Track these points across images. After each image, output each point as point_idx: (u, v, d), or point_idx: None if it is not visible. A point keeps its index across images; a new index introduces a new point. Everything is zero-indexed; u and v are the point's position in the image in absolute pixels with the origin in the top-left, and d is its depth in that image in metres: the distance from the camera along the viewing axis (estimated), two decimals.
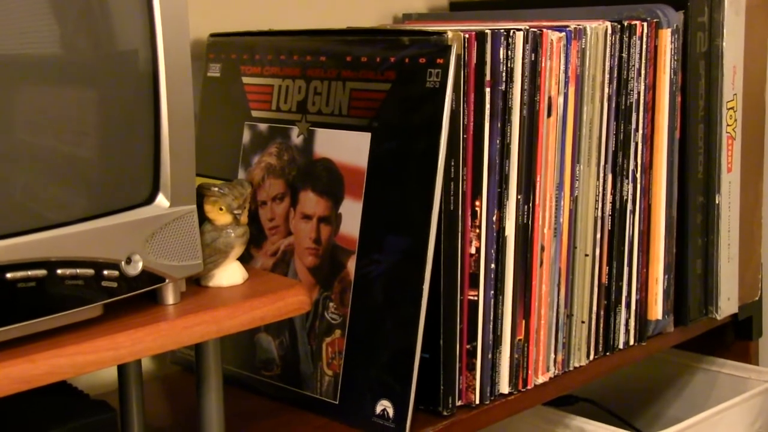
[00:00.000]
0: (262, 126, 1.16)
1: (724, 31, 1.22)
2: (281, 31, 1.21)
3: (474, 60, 1.02)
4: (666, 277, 1.23)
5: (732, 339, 1.44)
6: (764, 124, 1.35)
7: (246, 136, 1.18)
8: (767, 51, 1.33)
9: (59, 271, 0.77)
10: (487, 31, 1.03)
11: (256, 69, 1.18)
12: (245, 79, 1.19)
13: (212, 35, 1.25)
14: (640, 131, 1.18)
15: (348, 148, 1.07)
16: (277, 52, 1.16)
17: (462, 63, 1.01)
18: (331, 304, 1.07)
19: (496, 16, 1.29)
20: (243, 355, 1.15)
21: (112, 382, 1.01)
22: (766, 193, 1.38)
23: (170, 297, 0.87)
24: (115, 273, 0.80)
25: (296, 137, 1.12)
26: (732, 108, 1.25)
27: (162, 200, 0.85)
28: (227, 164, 1.20)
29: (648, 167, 1.20)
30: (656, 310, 1.24)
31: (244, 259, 1.11)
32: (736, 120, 1.26)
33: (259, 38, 1.20)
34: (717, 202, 1.27)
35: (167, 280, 0.85)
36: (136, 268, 0.82)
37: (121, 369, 0.97)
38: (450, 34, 1.00)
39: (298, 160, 1.12)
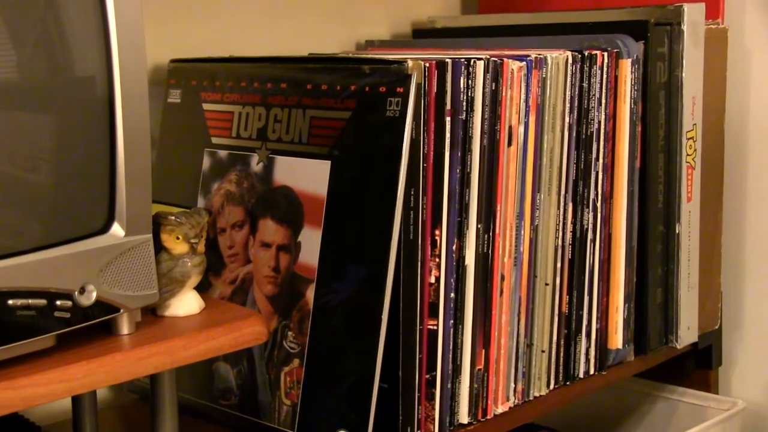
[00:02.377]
0: (222, 153, 1.16)
1: (684, 62, 1.22)
2: (242, 58, 1.20)
3: (434, 89, 1.02)
4: (626, 306, 1.23)
5: (692, 368, 1.44)
6: (723, 154, 1.36)
7: (206, 162, 1.17)
8: (726, 82, 1.33)
9: (10, 302, 0.76)
10: (447, 60, 1.03)
11: (216, 95, 1.17)
12: (205, 106, 1.19)
13: (173, 61, 1.25)
14: (601, 160, 1.18)
15: (308, 176, 1.06)
16: (237, 79, 1.15)
17: (422, 92, 1.01)
18: (289, 333, 1.06)
19: (458, 44, 1.30)
20: (200, 384, 1.14)
21: (66, 412, 1.00)
22: (725, 222, 1.39)
23: (125, 327, 0.86)
24: (68, 303, 0.79)
25: (256, 165, 1.12)
26: (692, 138, 1.26)
27: (117, 229, 0.83)
28: (187, 191, 1.19)
29: (608, 196, 1.20)
30: (616, 339, 1.23)
31: (203, 287, 1.10)
32: (695, 150, 1.27)
33: (219, 65, 1.20)
34: (677, 231, 1.27)
35: (122, 311, 0.84)
36: (90, 298, 0.81)
37: (75, 399, 0.96)
38: (410, 63, 0.99)
39: (257, 188, 1.11)
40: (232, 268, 1.13)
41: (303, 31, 1.42)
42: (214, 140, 1.17)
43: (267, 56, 1.18)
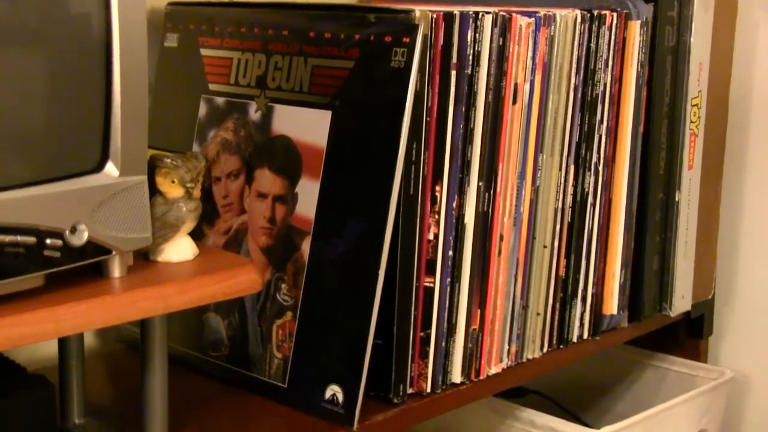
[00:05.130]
0: (219, 100, 1.13)
1: (693, 27, 1.20)
2: (243, 2, 1.18)
3: (441, 41, 1.00)
4: (623, 272, 1.22)
5: (684, 337, 1.44)
6: (726, 123, 1.34)
7: (202, 109, 1.15)
8: (733, 50, 1.32)
9: None
10: (455, 12, 1.00)
11: (215, 41, 1.15)
12: (203, 51, 1.16)
13: (170, 3, 1.22)
14: (605, 124, 1.16)
15: (307, 126, 1.04)
16: (237, 25, 1.13)
17: (429, 44, 0.99)
18: (283, 286, 1.04)
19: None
20: (191, 335, 1.12)
21: (53, 357, 0.98)
22: (724, 192, 1.37)
23: (116, 270, 0.84)
24: (59, 242, 0.77)
25: (254, 113, 1.09)
26: (696, 105, 1.24)
27: (111, 169, 0.81)
28: (182, 137, 1.16)
29: (611, 160, 1.19)
30: (611, 305, 1.22)
31: (196, 236, 1.07)
32: (699, 117, 1.25)
33: (219, 9, 1.17)
34: (677, 199, 1.26)
35: (114, 253, 0.82)
36: (81, 238, 0.78)
37: (62, 343, 0.94)
38: (417, 14, 0.97)
39: (255, 137, 1.09)
40: (226, 218, 1.11)
41: None
42: (212, 87, 1.14)
43: (269, 1, 1.15)
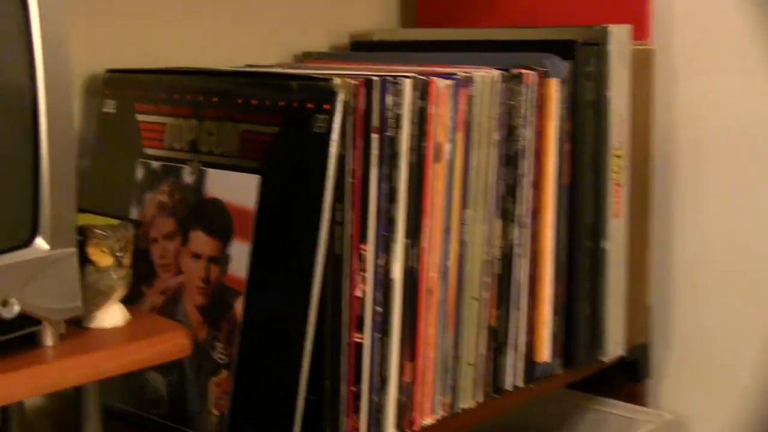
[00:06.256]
0: (156, 164, 1.17)
1: (611, 82, 1.25)
2: (175, 70, 1.22)
3: (362, 106, 1.04)
4: (554, 319, 1.26)
5: (622, 380, 1.47)
6: (651, 171, 1.39)
7: (139, 173, 1.18)
8: (653, 102, 1.36)
9: None
10: (375, 78, 1.04)
11: (150, 107, 1.18)
12: (139, 116, 1.19)
13: (108, 71, 1.26)
14: (528, 177, 1.20)
15: (238, 189, 1.08)
16: (170, 91, 1.16)
17: (350, 109, 1.02)
18: (218, 344, 1.07)
19: (392, 59, 1.31)
20: (132, 392, 1.15)
21: None
22: (653, 238, 1.42)
23: (49, 339, 0.86)
24: None
25: (188, 176, 1.13)
26: (619, 156, 1.29)
27: (41, 243, 0.84)
28: (120, 200, 1.20)
29: (536, 212, 1.22)
30: (544, 352, 1.26)
31: (135, 296, 1.11)
32: (622, 167, 1.29)
33: (153, 76, 1.21)
34: (604, 247, 1.29)
35: (45, 323, 0.85)
36: (12, 311, 0.81)
37: (2, 408, 0.96)
38: (337, 81, 1.01)
39: (189, 200, 1.13)
40: (163, 278, 1.14)
41: (241, 42, 1.43)
42: (148, 151, 1.18)
43: (199, 69, 1.19)
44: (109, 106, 1.24)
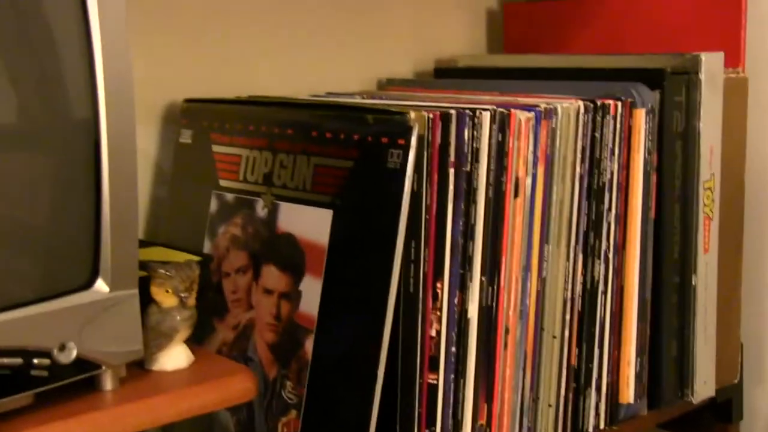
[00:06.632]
0: (229, 196, 1.15)
1: (701, 111, 1.20)
2: (252, 101, 1.20)
3: (438, 140, 1.01)
4: (638, 359, 1.21)
5: (712, 421, 1.41)
6: (743, 204, 1.33)
7: (213, 204, 1.17)
8: (745, 131, 1.30)
9: None
10: (452, 111, 1.01)
11: (225, 138, 1.17)
12: (215, 147, 1.18)
13: (186, 101, 1.24)
14: (613, 211, 1.16)
15: (310, 224, 1.05)
16: (245, 122, 1.15)
17: (425, 143, 0.99)
18: (288, 383, 1.05)
19: (475, 86, 1.28)
20: (200, 430, 1.13)
21: None
22: (745, 273, 1.36)
23: (108, 383, 0.85)
24: (46, 362, 0.78)
25: (261, 210, 1.11)
26: (709, 188, 1.23)
27: (101, 285, 0.82)
28: (194, 232, 1.18)
29: (621, 247, 1.18)
30: (628, 393, 1.21)
31: (207, 331, 1.09)
32: (713, 200, 1.24)
33: (229, 106, 1.19)
34: (693, 283, 1.24)
35: (104, 367, 0.83)
36: (70, 356, 0.79)
37: None
38: (412, 115, 0.98)
39: (262, 233, 1.10)
40: (235, 313, 1.12)
41: (325, 69, 1.41)
42: (222, 183, 1.16)
43: (274, 99, 1.17)
44: (186, 137, 1.22)
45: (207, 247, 1.16)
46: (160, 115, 1.27)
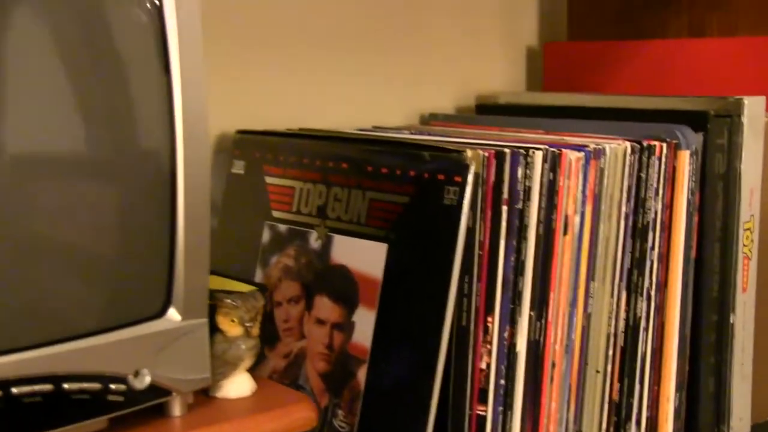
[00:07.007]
0: (282, 227, 1.18)
1: (743, 154, 1.22)
2: (304, 134, 1.23)
3: (492, 178, 1.03)
4: (677, 395, 1.23)
5: None
6: None
7: (266, 235, 1.20)
8: None
9: (65, 386, 0.77)
10: (506, 150, 1.04)
11: (278, 170, 1.20)
12: (268, 179, 1.21)
13: (238, 132, 1.27)
14: (656, 250, 1.18)
15: (364, 257, 1.08)
16: (299, 155, 1.18)
17: (480, 181, 1.02)
18: (340, 412, 1.08)
19: (518, 123, 1.31)
20: None
21: None
22: None
23: (177, 410, 0.87)
24: (122, 387, 0.81)
25: (314, 241, 1.14)
26: (749, 229, 1.26)
27: (173, 314, 0.85)
28: (246, 262, 1.21)
29: (663, 285, 1.20)
30: (667, 428, 1.23)
31: (258, 359, 1.11)
32: (752, 240, 1.26)
33: (283, 139, 1.22)
34: (731, 321, 1.26)
35: (174, 393, 0.86)
36: (144, 382, 0.82)
37: None
38: (469, 154, 1.01)
39: (315, 264, 1.13)
40: (286, 342, 1.15)
41: (369, 102, 1.44)
42: (275, 214, 1.19)
43: (328, 133, 1.20)
44: (238, 167, 1.25)
45: (258, 277, 1.19)
46: (212, 146, 1.30)
